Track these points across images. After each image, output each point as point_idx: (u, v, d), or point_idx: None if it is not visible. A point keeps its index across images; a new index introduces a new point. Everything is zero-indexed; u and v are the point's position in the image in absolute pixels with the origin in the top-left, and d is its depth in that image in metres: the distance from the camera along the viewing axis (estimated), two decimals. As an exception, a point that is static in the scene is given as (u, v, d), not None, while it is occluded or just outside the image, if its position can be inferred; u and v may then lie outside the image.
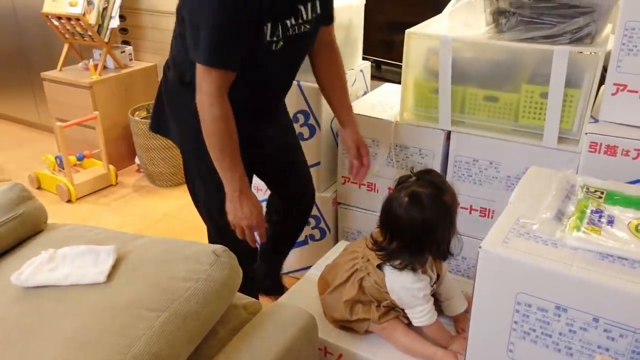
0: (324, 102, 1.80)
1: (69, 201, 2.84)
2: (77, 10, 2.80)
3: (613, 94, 1.39)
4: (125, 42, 3.27)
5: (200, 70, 1.27)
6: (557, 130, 1.50)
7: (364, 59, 2.15)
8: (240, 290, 1.23)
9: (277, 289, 1.89)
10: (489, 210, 1.70)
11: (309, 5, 1.35)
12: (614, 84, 1.38)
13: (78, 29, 2.90)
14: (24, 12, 3.36)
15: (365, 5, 2.01)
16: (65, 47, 3.07)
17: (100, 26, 2.88)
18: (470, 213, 1.72)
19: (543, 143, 1.53)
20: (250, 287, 1.64)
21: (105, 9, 2.87)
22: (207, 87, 1.27)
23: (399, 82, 1.72)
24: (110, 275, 1.15)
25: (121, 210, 2.79)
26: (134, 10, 3.15)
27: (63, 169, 2.87)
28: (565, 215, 1.06)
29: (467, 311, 1.39)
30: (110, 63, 3.10)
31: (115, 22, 2.89)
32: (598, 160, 1.40)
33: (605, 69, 1.40)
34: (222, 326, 1.18)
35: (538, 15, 1.42)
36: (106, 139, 2.91)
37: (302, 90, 1.84)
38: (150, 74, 3.21)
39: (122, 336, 1.00)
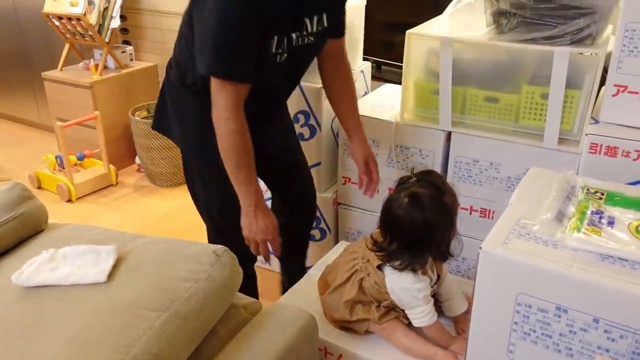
0: (324, 102, 1.80)
1: (69, 201, 2.84)
2: (77, 10, 2.80)
3: (613, 95, 1.39)
4: (126, 42, 3.27)
5: (215, 85, 1.26)
6: (557, 131, 1.50)
7: (364, 59, 2.15)
8: (240, 290, 1.23)
9: None
10: (489, 211, 1.70)
11: (315, 18, 1.34)
12: (615, 85, 1.38)
13: (79, 28, 2.90)
14: (24, 12, 3.36)
15: (366, 5, 2.01)
16: (66, 47, 3.08)
17: (101, 26, 2.89)
18: (470, 214, 1.72)
19: (543, 144, 1.53)
20: (250, 287, 1.65)
21: (106, 9, 2.87)
22: (222, 101, 1.27)
23: (400, 83, 1.72)
24: (110, 275, 1.15)
25: (121, 210, 2.79)
26: (135, 10, 3.15)
27: (63, 168, 2.87)
28: (565, 216, 1.06)
29: (468, 312, 1.39)
30: (111, 63, 3.11)
31: (116, 22, 2.89)
32: (598, 161, 1.40)
33: (605, 70, 1.40)
34: (223, 326, 1.18)
35: (539, 16, 1.42)
36: (106, 138, 2.91)
37: (302, 91, 1.84)
38: (150, 74, 3.21)
39: (122, 336, 1.00)
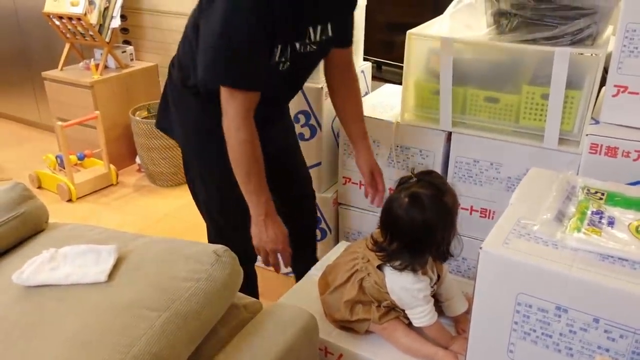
0: (325, 102, 1.80)
1: (70, 200, 2.84)
2: (78, 10, 2.81)
3: (614, 96, 1.39)
4: (126, 42, 3.28)
5: (225, 94, 1.26)
6: (557, 132, 1.50)
7: (364, 59, 2.15)
8: (240, 290, 1.23)
9: None
10: (490, 211, 1.70)
11: (319, 28, 1.33)
12: (615, 86, 1.38)
13: (79, 28, 2.90)
14: (25, 11, 3.37)
15: (366, 5, 2.01)
16: (67, 46, 3.08)
17: (101, 26, 2.89)
18: (470, 214, 1.72)
19: (544, 144, 1.53)
20: (250, 287, 1.65)
21: (106, 8, 2.87)
22: (232, 110, 1.26)
23: (400, 83, 1.72)
24: (111, 275, 1.15)
25: (122, 209, 2.79)
26: (135, 10, 3.16)
27: (64, 168, 2.87)
28: (565, 216, 1.06)
29: (468, 312, 1.39)
30: (111, 63, 3.11)
31: (116, 22, 2.89)
32: (599, 162, 1.40)
33: (606, 71, 1.40)
34: (223, 326, 1.18)
35: (539, 16, 1.42)
36: (107, 138, 2.91)
37: (303, 91, 1.84)
38: (151, 73, 3.21)
39: (123, 336, 1.00)
